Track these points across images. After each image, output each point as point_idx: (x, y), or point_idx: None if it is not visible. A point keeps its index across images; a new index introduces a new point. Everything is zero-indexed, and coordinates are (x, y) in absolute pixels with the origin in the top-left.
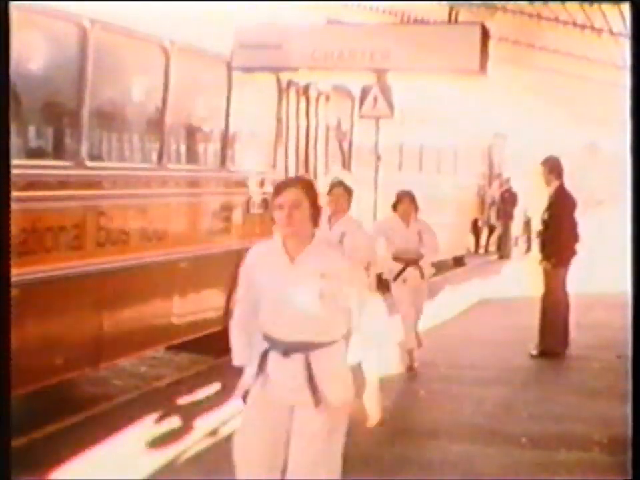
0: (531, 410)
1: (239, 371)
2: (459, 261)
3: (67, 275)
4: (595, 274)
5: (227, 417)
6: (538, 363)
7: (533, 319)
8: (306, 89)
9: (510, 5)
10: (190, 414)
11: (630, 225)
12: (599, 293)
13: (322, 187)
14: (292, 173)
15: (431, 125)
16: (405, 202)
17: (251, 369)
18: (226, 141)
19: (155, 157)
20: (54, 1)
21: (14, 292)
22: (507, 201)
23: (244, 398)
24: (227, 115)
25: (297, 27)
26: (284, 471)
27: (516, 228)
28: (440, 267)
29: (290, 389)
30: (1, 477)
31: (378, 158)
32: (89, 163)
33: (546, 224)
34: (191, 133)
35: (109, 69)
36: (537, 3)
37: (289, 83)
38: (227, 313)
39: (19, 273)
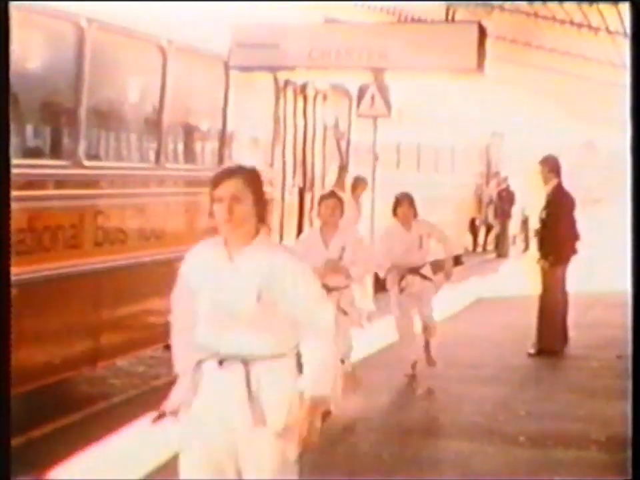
0: (528, 409)
1: None
2: (456, 260)
3: (64, 274)
4: (593, 273)
5: None
6: (536, 361)
7: (531, 318)
8: (303, 88)
9: (506, 4)
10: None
11: (630, 223)
12: (597, 292)
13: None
14: (289, 172)
15: (429, 123)
16: (404, 205)
17: (184, 381)
18: (223, 140)
19: (152, 156)
20: (52, 0)
21: (12, 291)
22: (505, 199)
23: (175, 414)
24: (225, 114)
25: (294, 26)
26: None
27: (513, 227)
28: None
29: (226, 405)
30: (0, 476)
31: (375, 157)
32: (86, 163)
33: (543, 222)
34: (189, 132)
35: (106, 69)
36: (535, 3)
37: (287, 82)
38: None
39: (16, 272)
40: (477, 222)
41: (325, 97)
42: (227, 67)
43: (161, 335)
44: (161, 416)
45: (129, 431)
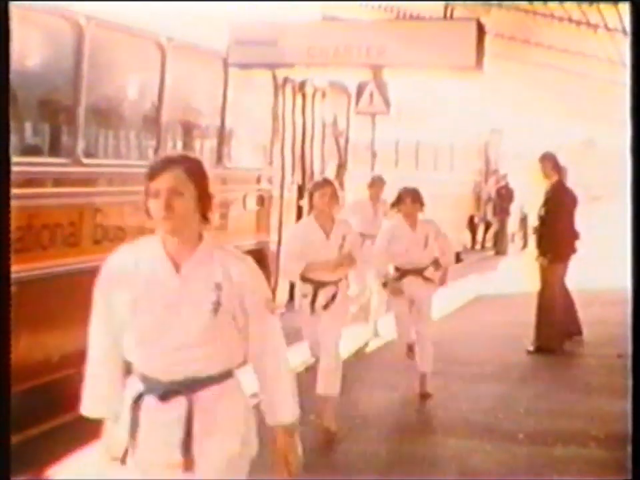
0: (527, 406)
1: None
2: (455, 257)
3: (63, 272)
4: (592, 270)
5: None
6: (534, 359)
7: (530, 315)
8: (302, 85)
9: (505, 1)
10: None
11: (629, 221)
12: (596, 289)
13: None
14: (288, 170)
15: (427, 121)
16: (406, 202)
17: (124, 420)
18: (222, 137)
19: (151, 153)
20: (52, 0)
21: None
22: (504, 197)
23: (123, 459)
24: (223, 112)
25: (292, 23)
26: None
27: (512, 224)
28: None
29: (162, 446)
30: (0, 475)
31: (374, 154)
32: (85, 160)
33: (542, 220)
34: (187, 130)
35: (105, 66)
36: (535, 2)
37: (285, 80)
38: None
39: (15, 270)
40: (476, 219)
41: (323, 95)
42: (225, 65)
43: None
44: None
45: None
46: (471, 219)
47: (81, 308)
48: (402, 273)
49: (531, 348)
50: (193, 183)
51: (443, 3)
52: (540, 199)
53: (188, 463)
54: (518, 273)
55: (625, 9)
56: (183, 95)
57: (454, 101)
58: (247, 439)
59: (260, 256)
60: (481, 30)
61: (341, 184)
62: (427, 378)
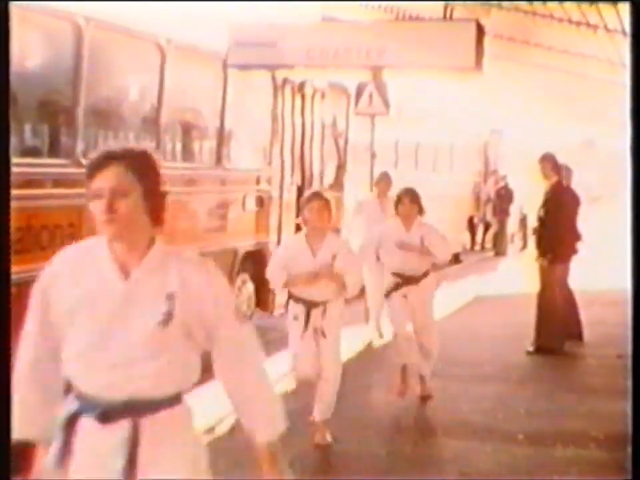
0: (527, 407)
1: None
2: (454, 258)
3: None
4: (592, 271)
5: (223, 415)
6: (534, 359)
7: (529, 316)
8: (301, 86)
9: (504, 2)
10: None
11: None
12: (596, 290)
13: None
14: (288, 171)
15: (427, 122)
16: (404, 202)
17: (54, 444)
18: (221, 138)
19: None
20: (51, 0)
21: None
22: (503, 197)
23: None
24: (223, 113)
25: (292, 24)
26: None
27: (512, 225)
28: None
29: (99, 475)
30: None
31: (373, 155)
32: (84, 161)
33: (542, 220)
34: (187, 131)
35: (104, 67)
36: (535, 3)
37: (285, 81)
38: None
39: (14, 270)
40: (475, 220)
41: (323, 95)
42: (225, 66)
43: None
44: None
45: None
46: (471, 220)
47: None
48: (397, 283)
49: (531, 349)
50: (139, 181)
51: (443, 3)
52: (539, 199)
53: None
54: (517, 273)
55: (625, 9)
56: (182, 96)
57: (453, 101)
58: (196, 473)
59: (259, 257)
60: (480, 31)
61: (341, 185)
62: (426, 380)
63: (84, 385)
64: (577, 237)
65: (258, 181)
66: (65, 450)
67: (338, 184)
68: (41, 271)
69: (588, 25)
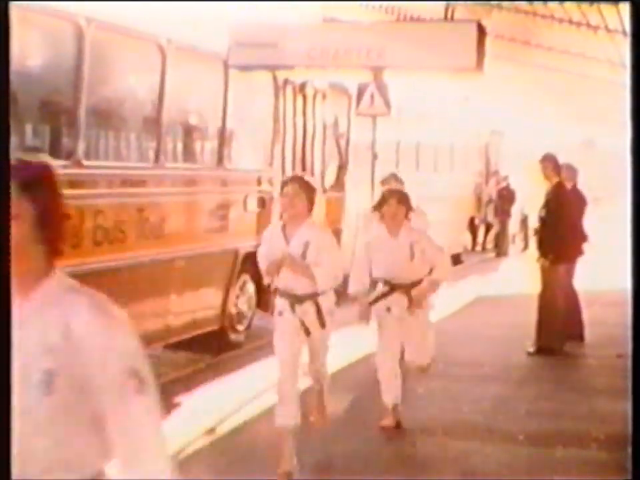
0: (528, 407)
1: (237, 367)
2: (456, 259)
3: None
4: (592, 271)
5: (225, 415)
6: (535, 360)
7: (530, 317)
8: (302, 87)
9: (505, 3)
10: (188, 412)
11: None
12: (597, 290)
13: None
14: (289, 171)
15: (428, 122)
16: (390, 203)
17: None
18: (223, 139)
19: (151, 155)
20: (52, 0)
21: None
22: (504, 198)
23: None
24: (224, 113)
25: (293, 25)
26: None
27: (513, 225)
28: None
29: None
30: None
31: (374, 156)
32: (85, 162)
33: (543, 221)
34: (188, 132)
35: (105, 68)
36: (536, 3)
37: (286, 81)
38: (224, 311)
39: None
40: (477, 221)
41: (324, 96)
42: (226, 66)
43: (159, 335)
44: None
45: None
46: (472, 221)
47: None
48: (387, 290)
49: (532, 349)
50: (32, 201)
51: (444, 4)
52: (541, 200)
53: None
54: (519, 274)
55: (625, 9)
56: (183, 96)
57: (454, 102)
58: None
59: None
60: (481, 31)
61: (342, 185)
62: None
63: None
64: (582, 237)
65: (259, 182)
66: None
67: (339, 184)
68: None
69: (588, 25)
